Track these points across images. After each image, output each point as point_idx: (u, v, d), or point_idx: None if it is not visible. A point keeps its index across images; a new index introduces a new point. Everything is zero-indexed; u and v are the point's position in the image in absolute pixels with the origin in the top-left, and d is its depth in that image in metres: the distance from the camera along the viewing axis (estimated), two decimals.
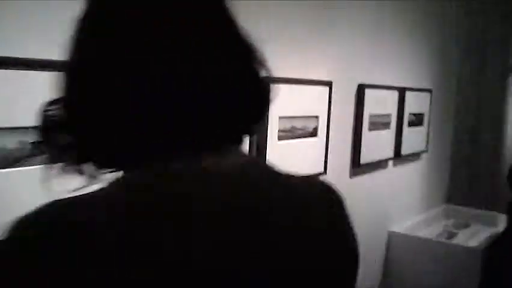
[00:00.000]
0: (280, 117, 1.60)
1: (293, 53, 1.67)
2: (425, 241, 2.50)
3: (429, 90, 2.73)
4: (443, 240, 2.56)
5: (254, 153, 1.54)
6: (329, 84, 1.83)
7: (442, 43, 2.88)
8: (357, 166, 2.10)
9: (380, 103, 2.24)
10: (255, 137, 1.53)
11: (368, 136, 2.14)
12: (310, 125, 1.76)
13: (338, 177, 2.01)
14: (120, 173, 0.49)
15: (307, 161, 1.77)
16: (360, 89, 2.07)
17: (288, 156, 1.66)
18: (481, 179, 3.10)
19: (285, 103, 1.62)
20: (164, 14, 0.47)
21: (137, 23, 0.46)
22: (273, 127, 1.57)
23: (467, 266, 2.40)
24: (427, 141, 2.78)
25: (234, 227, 0.45)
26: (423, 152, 2.76)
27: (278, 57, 1.63)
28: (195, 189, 0.45)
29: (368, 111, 2.12)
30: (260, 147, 1.55)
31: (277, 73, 1.56)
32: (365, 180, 2.21)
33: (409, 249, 2.51)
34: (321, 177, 1.89)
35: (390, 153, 2.40)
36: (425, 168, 2.86)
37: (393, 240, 2.54)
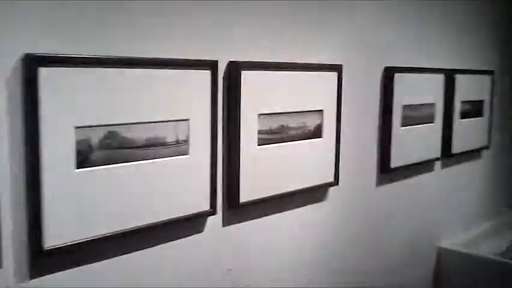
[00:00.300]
0: (260, 115, 1.22)
1: (284, 29, 1.29)
2: (482, 260, 2.02)
3: (490, 72, 2.22)
4: (506, 259, 2.06)
5: (223, 164, 1.18)
6: (337, 68, 1.42)
7: (506, 12, 2.35)
8: (387, 171, 1.68)
9: (418, 91, 1.79)
10: (221, 144, 1.16)
11: (400, 133, 1.71)
12: (311, 123, 1.37)
13: (358, 186, 1.60)
14: None
15: (307, 169, 1.37)
16: (388, 74, 1.64)
17: (276, 165, 1.28)
18: None
19: (268, 96, 1.24)
20: None
21: None
22: (249, 128, 1.20)
23: None
24: (489, 135, 2.27)
25: None
26: (483, 148, 2.26)
27: (261, 35, 1.22)
28: None
29: (399, 101, 1.68)
30: (231, 156, 1.18)
31: (259, 56, 1.18)
32: (400, 187, 1.78)
33: (463, 270, 2.05)
34: (332, 188, 1.52)
35: (436, 152, 1.94)
36: (486, 167, 2.36)
37: (443, 259, 2.09)
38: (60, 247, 0.89)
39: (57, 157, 0.87)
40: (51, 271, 0.90)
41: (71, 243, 0.90)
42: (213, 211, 1.14)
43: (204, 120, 1.10)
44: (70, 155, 0.89)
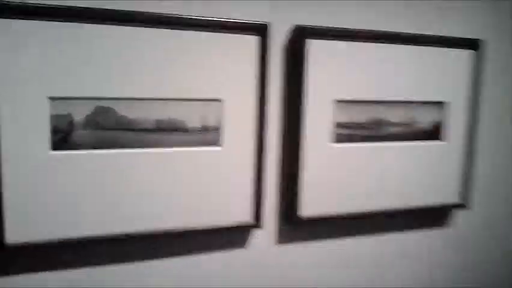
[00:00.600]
0: (339, 102, 0.90)
1: None
2: None
3: None
4: None
5: (282, 164, 0.89)
6: (474, 44, 1.00)
7: None
8: None
9: None
10: (279, 136, 0.88)
11: None
12: (425, 119, 0.98)
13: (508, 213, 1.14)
14: None
15: (414, 182, 0.99)
16: None
17: (363, 172, 0.94)
18: None
19: (354, 77, 0.90)
20: None
21: None
22: (319, 119, 0.88)
23: None
24: None
25: None
26: None
27: None
28: None
29: None
30: (290, 154, 0.89)
31: (339, 21, 0.87)
32: None
33: None
34: (460, 212, 1.08)
35: None
36: None
37: None
38: (25, 245, 0.72)
39: (24, 135, 0.70)
40: (15, 270, 0.73)
41: (39, 241, 0.72)
42: (256, 224, 0.86)
43: (246, 102, 0.83)
44: (43, 133, 0.71)
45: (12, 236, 0.71)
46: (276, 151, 0.88)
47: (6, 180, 0.69)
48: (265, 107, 0.83)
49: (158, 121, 0.77)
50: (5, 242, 0.70)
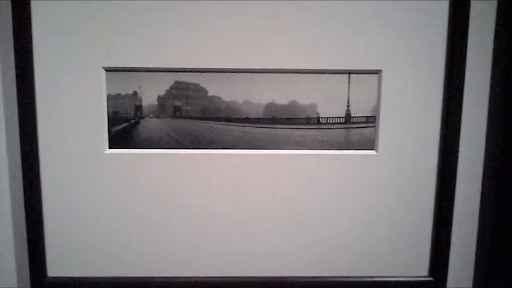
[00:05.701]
0: None
1: None
2: None
3: None
4: None
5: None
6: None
7: None
8: None
9: None
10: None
11: None
12: None
13: None
14: None
15: None
16: None
17: None
18: None
19: None
20: None
21: None
22: None
23: None
24: None
25: None
26: None
27: None
28: None
29: None
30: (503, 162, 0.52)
31: None
32: None
33: None
34: None
35: None
36: None
37: None
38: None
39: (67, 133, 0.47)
40: None
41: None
42: (432, 283, 0.52)
43: (424, 76, 0.48)
44: (95, 125, 0.47)
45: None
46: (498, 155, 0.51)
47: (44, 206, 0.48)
48: (459, 86, 0.48)
49: (270, 108, 0.48)
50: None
